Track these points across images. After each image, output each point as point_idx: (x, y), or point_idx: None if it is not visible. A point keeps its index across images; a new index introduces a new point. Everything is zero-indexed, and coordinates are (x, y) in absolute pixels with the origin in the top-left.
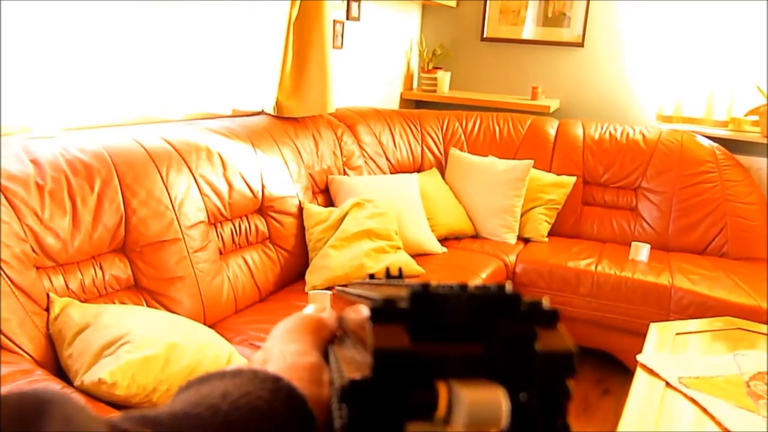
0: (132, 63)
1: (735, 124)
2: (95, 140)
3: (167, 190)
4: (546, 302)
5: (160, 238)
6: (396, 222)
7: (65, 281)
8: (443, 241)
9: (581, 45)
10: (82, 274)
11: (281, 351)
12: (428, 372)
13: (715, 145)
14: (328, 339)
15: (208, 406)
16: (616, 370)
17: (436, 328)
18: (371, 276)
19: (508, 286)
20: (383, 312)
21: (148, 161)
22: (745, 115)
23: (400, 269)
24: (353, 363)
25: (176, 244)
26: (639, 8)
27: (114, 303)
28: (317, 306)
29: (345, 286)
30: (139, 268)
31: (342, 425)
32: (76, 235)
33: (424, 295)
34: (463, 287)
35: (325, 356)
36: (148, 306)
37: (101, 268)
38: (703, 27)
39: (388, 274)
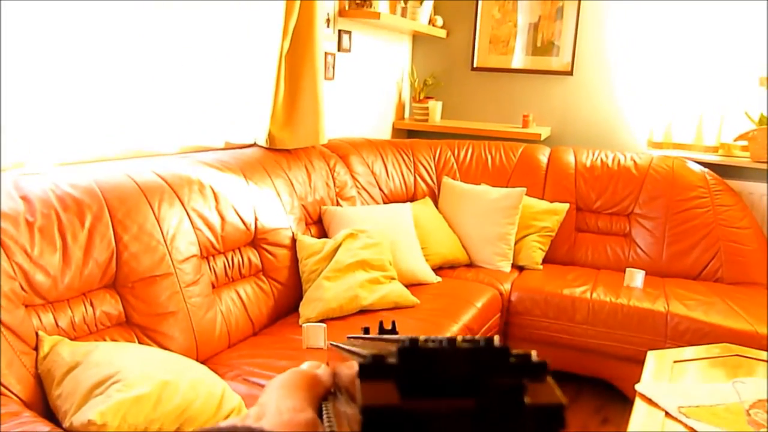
0: (124, 97)
1: (725, 149)
2: (86, 175)
3: (159, 225)
4: (534, 355)
5: (151, 273)
6: (390, 252)
7: (55, 319)
8: (438, 270)
9: (570, 73)
10: (72, 311)
11: (277, 406)
12: (418, 428)
13: (706, 170)
14: (323, 395)
15: None
16: (614, 398)
17: (426, 384)
18: (366, 330)
19: (497, 340)
20: (372, 368)
21: (140, 195)
22: (735, 140)
23: (393, 323)
24: (345, 419)
25: (168, 278)
26: (627, 36)
27: (105, 340)
28: (312, 363)
29: (339, 344)
30: (131, 303)
31: None
32: (66, 272)
33: (412, 350)
34: (451, 341)
35: (319, 412)
36: (139, 342)
37: (92, 304)
38: (691, 53)
39: (381, 329)
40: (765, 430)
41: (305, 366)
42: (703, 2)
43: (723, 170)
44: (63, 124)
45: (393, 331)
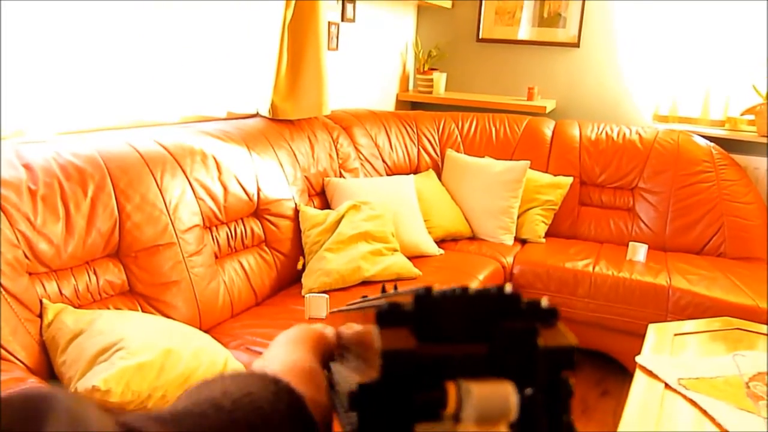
0: (126, 66)
1: (731, 123)
2: (89, 144)
3: (162, 195)
4: (545, 301)
5: (154, 243)
6: (392, 224)
7: (59, 287)
8: (440, 242)
9: (577, 45)
10: (75, 280)
11: (281, 358)
12: (436, 372)
13: (712, 144)
14: (328, 352)
15: (211, 404)
16: (614, 371)
17: (441, 330)
18: (364, 298)
19: (508, 287)
20: (389, 315)
21: (143, 165)
22: (741, 115)
23: (395, 285)
24: (358, 373)
25: (171, 248)
26: (634, 9)
27: (108, 309)
28: (318, 324)
29: (342, 308)
30: (134, 273)
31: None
32: (69, 241)
33: (427, 298)
34: (465, 289)
35: (326, 370)
36: (143, 311)
37: (95, 273)
38: (698, 27)
39: (383, 291)
40: (764, 401)
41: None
42: None
43: (729, 144)
44: (65, 92)
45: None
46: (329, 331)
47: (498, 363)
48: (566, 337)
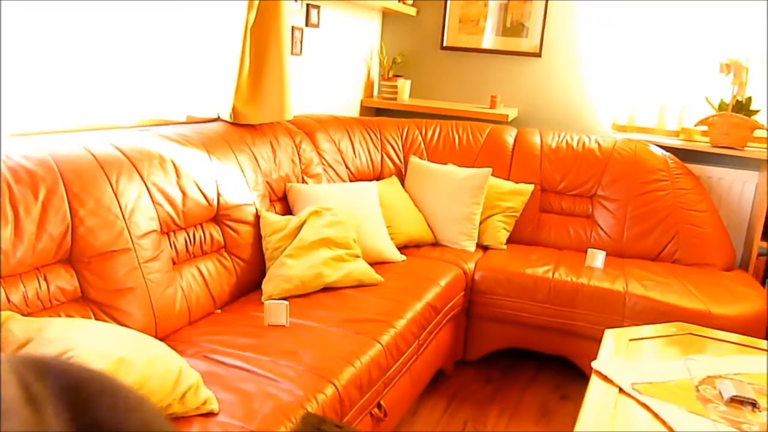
0: (82, 67)
1: (686, 133)
2: (41, 147)
3: (117, 199)
4: None
5: (109, 248)
6: (355, 230)
7: (6, 294)
8: (402, 248)
9: (539, 55)
10: (24, 287)
11: None
12: None
13: (668, 154)
14: None
15: None
16: (573, 375)
17: None
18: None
19: None
20: None
21: (97, 169)
22: (696, 125)
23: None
24: None
25: (126, 254)
26: (595, 20)
27: (59, 316)
28: None
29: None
30: (87, 279)
31: None
32: (18, 246)
33: None
34: None
35: None
36: (96, 319)
37: (45, 279)
38: (656, 40)
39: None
40: (712, 404)
41: None
42: None
43: (684, 154)
44: (16, 93)
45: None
46: None
47: None
48: None
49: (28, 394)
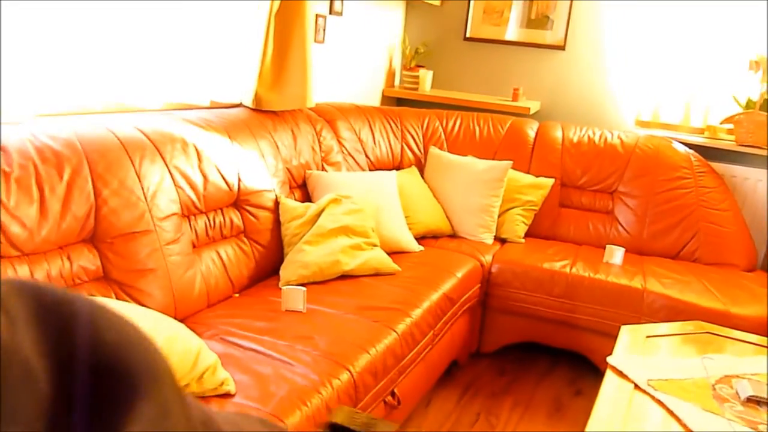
0: (109, 50)
1: (711, 131)
2: (67, 128)
3: (140, 181)
4: None
5: (131, 230)
6: (373, 219)
7: (30, 271)
8: (420, 239)
9: (563, 48)
10: (48, 265)
11: None
12: None
13: (691, 151)
14: None
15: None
16: (588, 371)
17: None
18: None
19: None
20: None
21: (121, 151)
22: (721, 123)
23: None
24: None
25: (148, 235)
26: (621, 14)
27: None
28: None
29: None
30: (109, 259)
31: None
32: (43, 224)
33: None
34: None
35: None
36: (117, 298)
37: (69, 258)
38: (683, 35)
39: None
40: (729, 403)
41: None
42: None
43: (708, 152)
44: (44, 74)
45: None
46: None
47: None
48: None
49: (4, 308)
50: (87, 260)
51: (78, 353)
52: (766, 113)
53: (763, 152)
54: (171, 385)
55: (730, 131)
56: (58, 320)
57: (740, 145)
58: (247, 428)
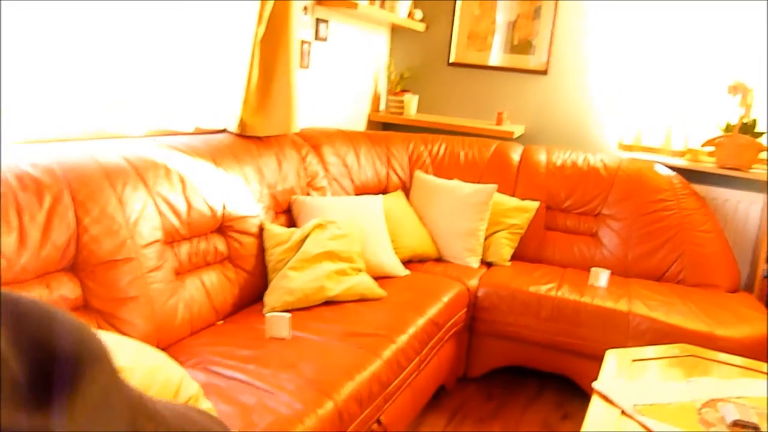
0: (92, 75)
1: (692, 154)
2: (48, 155)
3: (122, 208)
4: None
5: (112, 257)
6: (359, 244)
7: None
8: (407, 263)
9: (546, 73)
10: (28, 294)
11: None
12: None
13: (673, 174)
14: None
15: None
16: (575, 394)
17: None
18: None
19: None
20: None
21: (103, 178)
22: (702, 146)
23: None
24: None
25: (130, 263)
26: (602, 39)
27: None
28: None
29: None
30: (90, 288)
31: None
32: (22, 253)
33: None
34: None
35: None
36: (98, 328)
37: (49, 287)
38: (664, 59)
39: None
40: (714, 428)
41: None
42: (676, 10)
43: (689, 175)
44: (25, 100)
45: None
46: None
47: None
48: None
49: None
50: (67, 289)
51: (34, 343)
52: (745, 136)
53: (743, 174)
54: (109, 368)
55: (710, 154)
56: (16, 318)
57: (721, 168)
58: (182, 411)
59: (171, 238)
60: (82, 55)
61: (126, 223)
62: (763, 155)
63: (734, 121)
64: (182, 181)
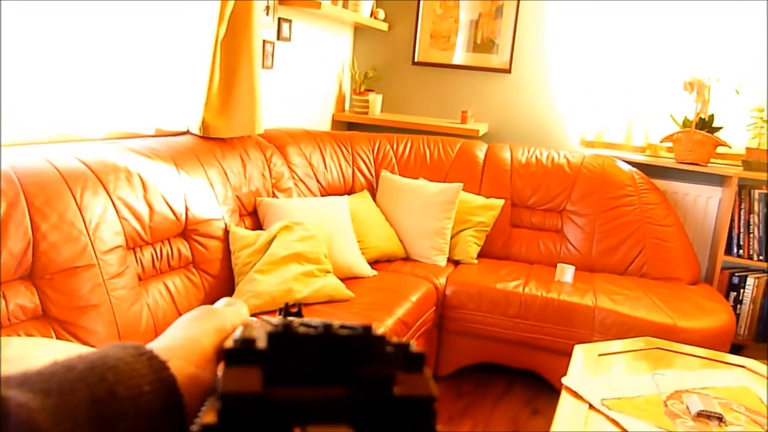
0: (47, 77)
1: (652, 149)
2: (2, 160)
3: (81, 214)
4: (413, 345)
5: (72, 264)
6: (326, 245)
7: None
8: (374, 263)
9: (509, 71)
10: None
11: (170, 335)
12: (282, 417)
13: (634, 169)
14: (226, 325)
15: (63, 365)
16: (544, 389)
17: (297, 371)
18: (285, 307)
19: (375, 328)
20: (239, 353)
21: (61, 183)
22: (661, 142)
23: (299, 305)
24: None
25: (90, 270)
26: (563, 38)
27: (19, 335)
28: (227, 299)
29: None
30: (49, 296)
31: None
32: None
33: (283, 335)
34: (328, 327)
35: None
36: (57, 337)
37: (4, 297)
38: (622, 57)
39: (286, 311)
40: (680, 419)
41: (219, 303)
42: (635, 9)
43: (650, 170)
44: None
45: (299, 313)
46: (232, 308)
47: (353, 409)
48: (428, 386)
49: None
50: (24, 298)
51: None
52: (701, 132)
53: (701, 168)
54: None
55: (669, 149)
56: None
57: (679, 162)
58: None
59: (133, 243)
60: (36, 56)
61: (86, 229)
62: (720, 149)
63: (691, 116)
64: (144, 184)
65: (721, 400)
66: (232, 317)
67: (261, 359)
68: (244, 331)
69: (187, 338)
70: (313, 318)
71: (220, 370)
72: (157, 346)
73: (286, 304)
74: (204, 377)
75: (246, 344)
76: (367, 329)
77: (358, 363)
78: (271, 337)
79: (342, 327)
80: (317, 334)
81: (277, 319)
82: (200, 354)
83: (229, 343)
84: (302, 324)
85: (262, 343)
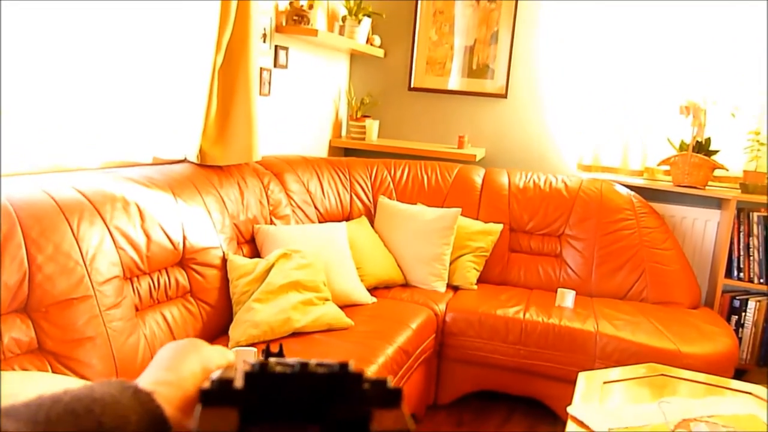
0: (44, 107)
1: (649, 173)
2: (1, 192)
3: (78, 244)
4: (390, 381)
5: (68, 296)
6: (324, 273)
7: None
8: (373, 290)
9: (504, 96)
10: None
11: (156, 366)
12: None
13: (632, 193)
14: (212, 368)
15: (50, 398)
16: (545, 417)
17: (274, 410)
18: (267, 348)
19: (352, 365)
20: (216, 394)
21: (58, 213)
22: (658, 165)
23: (280, 346)
24: None
25: (86, 301)
26: (559, 62)
27: (14, 369)
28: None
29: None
30: (44, 329)
31: None
32: None
33: (260, 375)
34: (304, 366)
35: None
36: (53, 371)
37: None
38: (619, 81)
39: (267, 352)
40: None
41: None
42: (629, 34)
43: (647, 193)
44: None
45: (280, 354)
46: (229, 355)
47: None
48: (404, 422)
49: None
50: (20, 331)
51: None
52: (698, 155)
53: (699, 192)
54: None
55: (666, 172)
56: None
57: (677, 186)
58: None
59: (130, 273)
60: (32, 84)
61: (82, 260)
62: (717, 173)
63: (688, 139)
64: (141, 213)
65: (728, 428)
66: (218, 358)
67: (237, 399)
68: (223, 372)
69: (172, 382)
70: (291, 357)
71: (197, 410)
72: (142, 382)
73: (268, 344)
74: (186, 421)
75: (222, 385)
76: (344, 367)
77: (335, 401)
78: (248, 376)
79: (319, 365)
80: (293, 372)
81: (255, 360)
82: (183, 399)
83: (206, 384)
84: (279, 363)
85: (239, 383)
